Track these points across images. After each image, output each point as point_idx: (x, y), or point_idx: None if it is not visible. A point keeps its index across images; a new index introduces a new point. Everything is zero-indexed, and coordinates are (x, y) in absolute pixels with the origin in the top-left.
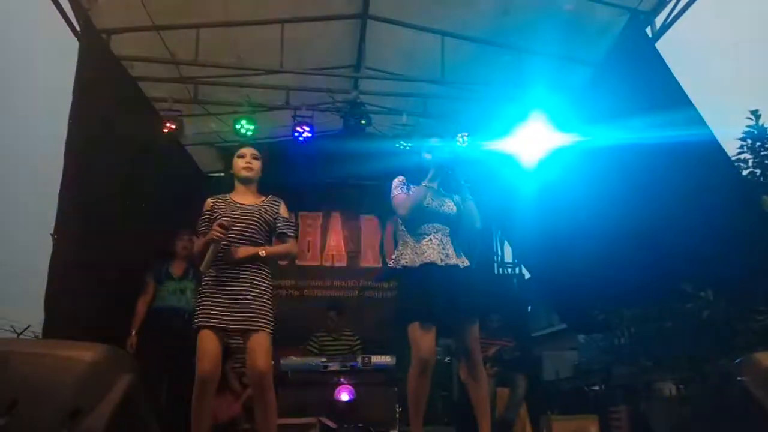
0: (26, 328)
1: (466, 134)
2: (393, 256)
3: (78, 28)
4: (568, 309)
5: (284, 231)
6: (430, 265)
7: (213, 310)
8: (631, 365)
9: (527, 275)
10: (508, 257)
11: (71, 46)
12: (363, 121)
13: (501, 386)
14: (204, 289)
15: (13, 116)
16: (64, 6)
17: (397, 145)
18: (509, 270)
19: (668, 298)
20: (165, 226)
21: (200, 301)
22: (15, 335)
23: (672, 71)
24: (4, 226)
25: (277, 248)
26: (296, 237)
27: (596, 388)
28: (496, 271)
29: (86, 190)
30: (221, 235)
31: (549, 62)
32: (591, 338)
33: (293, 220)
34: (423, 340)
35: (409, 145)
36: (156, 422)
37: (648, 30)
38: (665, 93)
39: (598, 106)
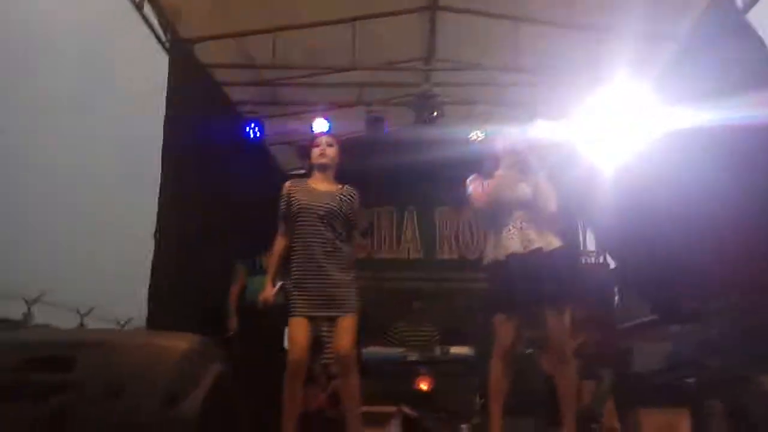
0: (128, 321)
1: (540, 119)
2: (484, 254)
3: (165, 39)
4: (658, 299)
5: (357, 227)
6: (512, 256)
7: (302, 300)
8: (727, 357)
9: (612, 264)
10: (591, 245)
11: (160, 55)
12: (436, 113)
13: (586, 379)
14: (294, 279)
15: (112, 125)
16: (150, 19)
17: (471, 135)
18: (593, 259)
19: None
20: (253, 221)
21: (292, 292)
22: (118, 327)
23: (767, 44)
24: (110, 229)
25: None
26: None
27: (689, 381)
28: (580, 259)
29: (182, 191)
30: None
31: (631, 41)
32: (684, 329)
33: (363, 216)
34: (503, 330)
35: (484, 134)
36: (248, 409)
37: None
38: (760, 68)
39: (685, 85)
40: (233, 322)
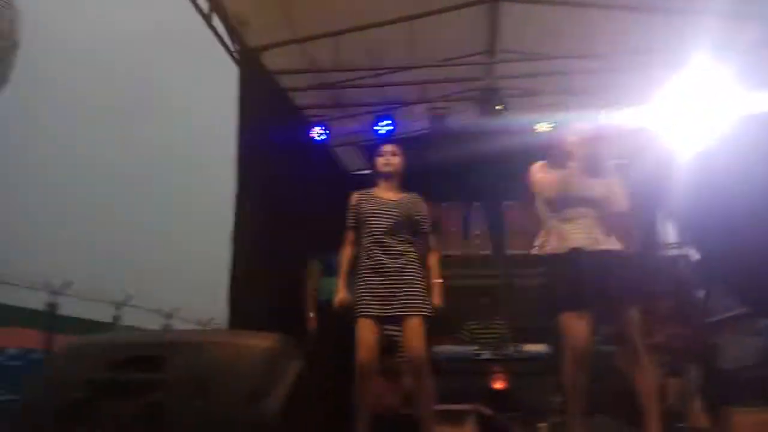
0: (210, 321)
1: (609, 109)
2: (537, 243)
3: (233, 49)
4: (748, 291)
5: (427, 230)
6: (577, 251)
7: (369, 299)
8: None
9: (695, 256)
10: (672, 237)
11: (229, 64)
12: (500, 106)
13: (671, 376)
14: (360, 280)
15: (187, 133)
16: (219, 29)
17: (537, 126)
18: (675, 251)
19: None
20: (321, 221)
21: (357, 293)
22: (201, 327)
23: None
24: (190, 233)
25: (436, 268)
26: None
27: None
28: (660, 253)
29: (256, 193)
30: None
31: (713, 22)
32: None
33: (431, 217)
34: (574, 330)
35: (551, 125)
36: (325, 404)
37: None
38: None
39: None
40: (313, 321)
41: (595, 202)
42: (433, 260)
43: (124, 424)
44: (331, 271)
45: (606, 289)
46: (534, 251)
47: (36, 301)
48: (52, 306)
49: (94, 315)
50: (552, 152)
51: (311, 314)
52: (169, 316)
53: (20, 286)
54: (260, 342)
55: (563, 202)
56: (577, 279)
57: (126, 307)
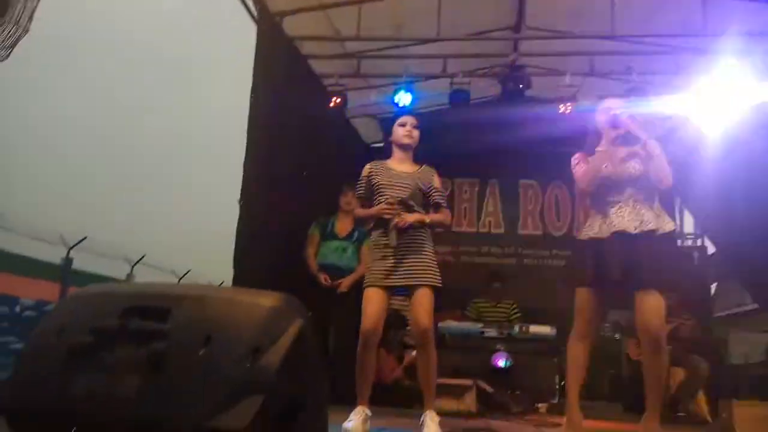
0: (221, 284)
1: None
2: (583, 229)
3: (254, 12)
4: (760, 287)
5: (438, 201)
6: (620, 234)
7: (378, 270)
8: None
9: (711, 248)
10: (688, 228)
11: (248, 27)
12: (522, 85)
13: (675, 365)
14: (373, 253)
15: (200, 96)
16: None
17: (560, 107)
18: (690, 242)
19: None
20: (332, 192)
21: (370, 267)
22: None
23: None
24: (201, 196)
25: (436, 216)
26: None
27: None
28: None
29: (266, 160)
30: (391, 214)
31: (745, 4)
32: None
33: (445, 191)
34: (585, 304)
35: (573, 107)
36: (323, 364)
37: None
38: None
39: None
40: (325, 277)
41: (636, 179)
42: (438, 214)
43: (127, 370)
44: (327, 234)
45: (633, 273)
46: (579, 236)
47: (53, 254)
48: (68, 260)
49: (108, 271)
50: (588, 140)
51: (319, 274)
52: (180, 277)
53: (39, 239)
54: (264, 300)
55: (604, 188)
56: (608, 260)
57: (139, 265)
